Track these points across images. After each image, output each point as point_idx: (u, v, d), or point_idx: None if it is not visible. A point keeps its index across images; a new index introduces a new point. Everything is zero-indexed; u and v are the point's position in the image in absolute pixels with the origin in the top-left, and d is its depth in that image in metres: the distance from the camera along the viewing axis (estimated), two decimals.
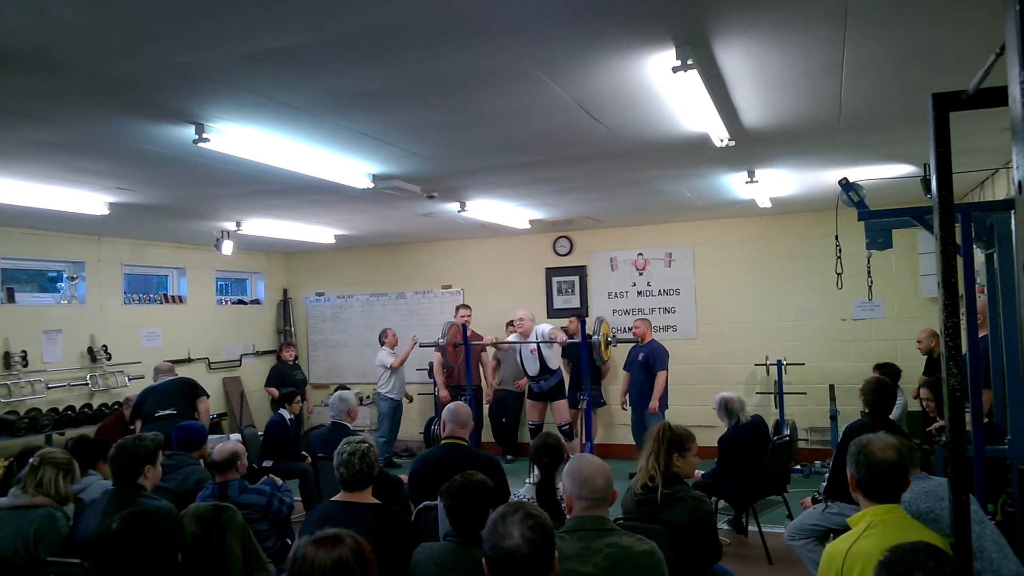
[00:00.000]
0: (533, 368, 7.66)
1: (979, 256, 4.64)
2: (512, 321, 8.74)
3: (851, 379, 7.41)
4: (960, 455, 2.20)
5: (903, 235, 4.94)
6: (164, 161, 4.55)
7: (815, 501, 4.44)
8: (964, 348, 4.22)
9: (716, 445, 5.29)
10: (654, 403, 7.24)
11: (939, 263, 2.15)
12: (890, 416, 5.53)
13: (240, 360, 9.66)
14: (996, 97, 2.03)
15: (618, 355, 8.06)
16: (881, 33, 2.95)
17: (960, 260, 4.14)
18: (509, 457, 8.52)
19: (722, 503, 5.37)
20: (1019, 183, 1.00)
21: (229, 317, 9.66)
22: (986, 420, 4.21)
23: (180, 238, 8.46)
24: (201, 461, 4.51)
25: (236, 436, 7.20)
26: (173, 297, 8.89)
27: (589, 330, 6.40)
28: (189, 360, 8.72)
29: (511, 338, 7.75)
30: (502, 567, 1.84)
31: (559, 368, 7.71)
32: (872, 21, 2.80)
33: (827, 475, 4.49)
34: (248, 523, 3.27)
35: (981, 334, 4.60)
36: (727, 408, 5.25)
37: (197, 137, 3.78)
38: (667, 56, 2.97)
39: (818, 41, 2.97)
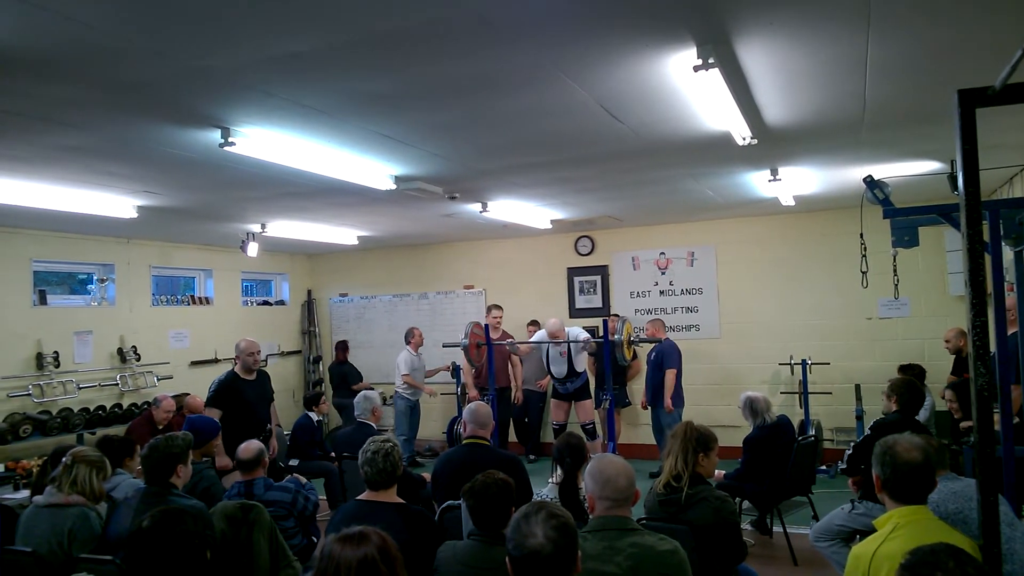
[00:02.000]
0: (560, 371, 7.64)
1: (1008, 253, 4.57)
2: (534, 321, 8.79)
3: (877, 378, 7.32)
4: (988, 455, 2.17)
5: (930, 233, 4.88)
6: (190, 165, 4.62)
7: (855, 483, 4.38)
8: (993, 347, 4.18)
9: (739, 445, 5.26)
10: (667, 401, 7.31)
11: (966, 261, 2.13)
12: (916, 415, 5.48)
13: (266, 360, 9.73)
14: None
15: (644, 355, 8.05)
16: (905, 29, 2.91)
17: (988, 258, 4.08)
18: (532, 457, 8.53)
19: (746, 504, 5.34)
20: None
21: (255, 318, 9.78)
22: (1017, 420, 4.15)
23: (207, 240, 8.59)
24: (208, 458, 4.53)
25: None
26: (200, 298, 9.02)
27: (613, 330, 6.41)
28: (216, 360, 8.84)
29: (537, 337, 7.78)
30: (526, 566, 1.86)
31: (584, 370, 7.73)
32: (896, 17, 2.77)
33: (847, 456, 4.46)
34: (274, 520, 3.32)
35: (1011, 331, 4.53)
36: (752, 407, 5.21)
37: (223, 141, 3.83)
38: (688, 55, 2.97)
39: (841, 38, 2.95)
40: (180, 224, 7.13)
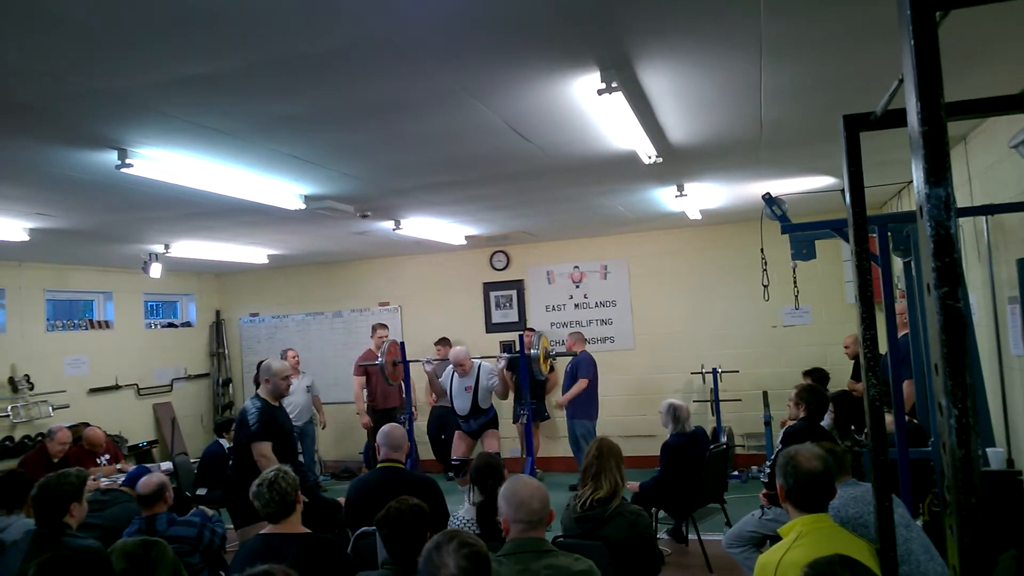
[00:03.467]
0: (463, 407, 6.63)
1: (898, 263, 4.86)
2: (444, 339, 8.58)
3: (783, 385, 7.62)
4: (882, 462, 2.28)
5: (829, 242, 5.15)
6: (86, 187, 4.39)
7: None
8: (884, 348, 4.42)
9: (655, 455, 5.35)
10: (561, 399, 7.50)
11: (855, 276, 2.23)
12: (821, 421, 5.74)
13: (171, 385, 9.35)
14: (902, 118, 2.13)
15: (561, 368, 8.12)
16: (795, 60, 3.07)
17: (879, 269, 4.32)
18: (451, 475, 8.45)
19: (662, 513, 5.44)
20: (919, 208, 1.05)
21: (159, 341, 9.35)
22: (911, 421, 4.38)
23: (106, 262, 8.16)
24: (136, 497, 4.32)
25: (167, 464, 6.97)
26: (99, 322, 8.56)
27: (529, 344, 6.44)
28: (117, 387, 8.40)
29: (447, 369, 6.85)
30: None
31: (491, 406, 6.85)
32: (785, 49, 2.92)
33: (766, 475, 4.59)
34: (179, 557, 3.17)
35: (902, 334, 4.80)
36: (675, 415, 5.30)
37: (120, 163, 3.66)
38: (592, 79, 3.03)
39: (736, 65, 3.07)
40: (77, 246, 6.75)
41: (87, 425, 6.68)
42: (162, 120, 3.28)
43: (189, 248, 7.29)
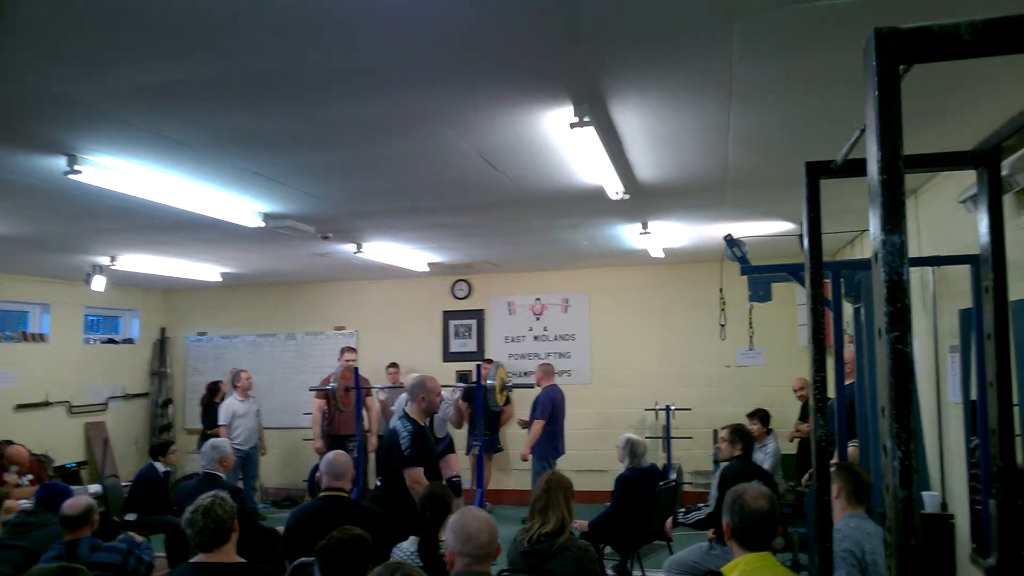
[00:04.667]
0: None
1: (848, 309, 4.96)
2: (394, 364, 8.42)
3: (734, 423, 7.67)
4: (826, 502, 2.29)
5: (784, 286, 5.26)
6: (29, 192, 4.23)
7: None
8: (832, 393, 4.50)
9: (608, 490, 5.33)
10: (524, 451, 7.20)
11: (809, 320, 2.26)
12: (766, 462, 5.83)
13: (106, 404, 8.99)
14: (861, 167, 2.19)
15: (518, 399, 8.03)
16: (762, 104, 3.13)
17: (831, 313, 4.42)
18: None
19: (608, 548, 5.39)
20: (875, 254, 1.07)
21: (97, 357, 9.01)
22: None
23: (46, 272, 7.87)
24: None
25: (96, 487, 6.67)
26: (33, 335, 8.20)
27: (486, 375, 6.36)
28: (47, 403, 8.04)
29: (400, 398, 6.79)
30: None
31: (447, 435, 6.90)
32: (754, 94, 2.98)
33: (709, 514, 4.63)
34: None
35: (848, 382, 4.90)
36: (632, 449, 5.32)
37: (68, 169, 3.54)
38: (565, 112, 3.05)
39: (706, 107, 3.13)
40: (16, 254, 6.49)
41: (11, 444, 6.35)
42: (118, 127, 3.18)
43: (137, 262, 7.08)
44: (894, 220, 1.04)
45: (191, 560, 2.92)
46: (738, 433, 4.76)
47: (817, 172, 2.30)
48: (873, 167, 1.08)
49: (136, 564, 3.79)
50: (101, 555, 3.68)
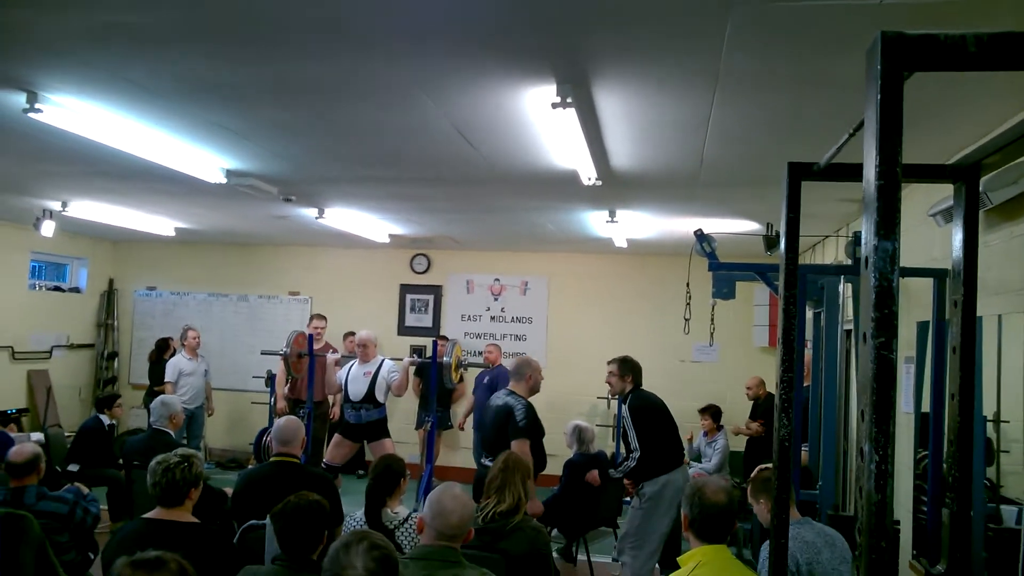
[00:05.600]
0: (357, 391, 6.12)
1: (808, 312, 5.05)
2: (352, 332, 8.33)
3: (684, 417, 7.75)
4: (784, 500, 2.34)
5: (743, 285, 5.33)
6: None
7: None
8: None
9: (555, 474, 5.38)
10: (460, 420, 7.55)
11: (781, 320, 2.28)
12: (714, 458, 5.94)
13: (51, 352, 8.71)
14: (844, 171, 2.20)
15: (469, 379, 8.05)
16: (745, 102, 3.14)
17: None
18: (360, 472, 8.24)
19: (554, 531, 5.46)
20: (866, 258, 1.06)
21: (42, 304, 8.72)
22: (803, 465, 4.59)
23: None
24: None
25: (38, 435, 6.48)
26: None
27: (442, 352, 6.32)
28: None
29: (352, 360, 6.51)
30: None
31: (384, 405, 6.37)
32: (739, 90, 2.97)
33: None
34: (46, 534, 3.00)
35: (805, 384, 5.01)
36: (580, 436, 5.40)
37: (28, 107, 3.36)
38: (547, 91, 2.99)
39: (690, 99, 3.11)
40: None
41: None
42: (80, 67, 3.03)
43: (90, 209, 6.82)
44: (888, 226, 1.04)
45: (145, 516, 2.89)
46: (626, 364, 4.78)
47: (799, 173, 2.31)
48: (870, 172, 1.08)
49: (83, 515, 3.74)
50: (47, 504, 3.63)
